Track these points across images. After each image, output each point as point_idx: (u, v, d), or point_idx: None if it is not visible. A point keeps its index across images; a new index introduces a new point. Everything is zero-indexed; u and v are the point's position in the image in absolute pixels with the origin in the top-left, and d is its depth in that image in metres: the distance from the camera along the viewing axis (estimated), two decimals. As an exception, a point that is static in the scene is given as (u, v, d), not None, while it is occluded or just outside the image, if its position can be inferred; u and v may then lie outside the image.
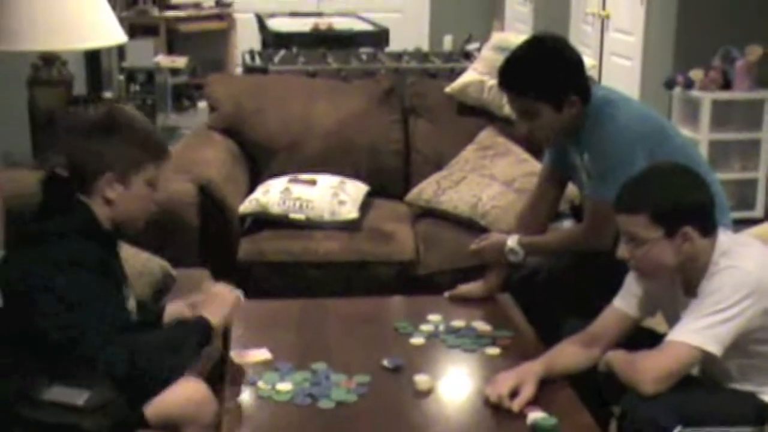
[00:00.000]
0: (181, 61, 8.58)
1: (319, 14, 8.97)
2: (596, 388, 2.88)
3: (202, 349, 2.70)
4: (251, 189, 4.48)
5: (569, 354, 2.91)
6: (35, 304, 2.48)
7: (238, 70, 8.35)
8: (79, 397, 2.38)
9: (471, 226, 4.18)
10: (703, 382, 2.81)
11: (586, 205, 3.45)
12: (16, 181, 3.82)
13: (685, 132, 5.52)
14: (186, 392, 2.55)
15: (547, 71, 3.16)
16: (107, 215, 2.65)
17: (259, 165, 4.73)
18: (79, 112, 2.78)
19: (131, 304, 2.81)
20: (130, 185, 2.65)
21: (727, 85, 5.97)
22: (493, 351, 3.12)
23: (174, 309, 2.97)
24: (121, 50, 8.00)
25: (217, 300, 2.81)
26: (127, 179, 2.64)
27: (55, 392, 2.42)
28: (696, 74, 5.99)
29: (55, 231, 2.57)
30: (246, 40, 8.81)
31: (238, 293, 2.91)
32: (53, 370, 2.46)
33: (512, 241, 3.45)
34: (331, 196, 4.29)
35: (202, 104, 7.99)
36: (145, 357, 2.52)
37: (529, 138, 3.42)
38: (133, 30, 8.42)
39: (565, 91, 3.16)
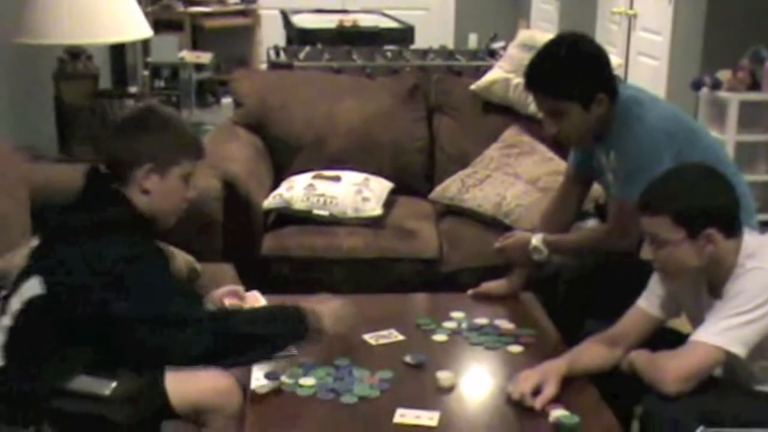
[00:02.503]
0: (205, 57, 8.59)
1: (344, 11, 8.96)
2: (619, 387, 2.87)
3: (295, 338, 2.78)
4: (275, 185, 4.49)
5: (592, 353, 2.91)
6: (98, 297, 2.50)
7: (263, 66, 8.35)
8: (106, 387, 2.40)
9: (495, 224, 4.18)
10: (726, 383, 2.79)
11: (611, 205, 3.44)
12: (41, 174, 3.85)
13: (712, 133, 5.49)
14: (212, 382, 2.57)
15: (573, 70, 3.15)
16: (144, 206, 2.69)
17: (283, 161, 4.74)
18: (121, 110, 2.84)
19: None
20: (167, 178, 2.70)
21: (755, 85, 5.92)
22: (516, 349, 3.12)
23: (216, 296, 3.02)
24: (145, 45, 8.03)
25: (339, 314, 2.89)
26: (164, 171, 2.69)
27: (82, 382, 2.43)
28: (724, 75, 5.95)
29: (107, 223, 2.60)
30: (270, 36, 8.81)
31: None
32: (93, 359, 2.49)
33: (536, 240, 3.44)
34: (355, 192, 4.29)
35: (226, 100, 8.01)
36: (239, 331, 2.64)
37: (558, 139, 3.39)
38: (158, 25, 8.44)
39: (593, 89, 3.15)
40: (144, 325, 2.51)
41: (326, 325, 2.79)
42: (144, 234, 2.68)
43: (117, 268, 2.52)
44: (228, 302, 2.97)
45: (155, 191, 2.68)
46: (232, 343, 2.61)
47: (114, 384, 2.41)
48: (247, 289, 3.19)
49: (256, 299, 3.05)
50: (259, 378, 2.85)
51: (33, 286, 2.54)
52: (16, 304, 2.56)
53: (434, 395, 2.80)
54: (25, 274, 2.60)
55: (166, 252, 2.80)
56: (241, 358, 2.66)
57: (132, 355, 2.53)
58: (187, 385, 2.56)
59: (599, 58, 3.22)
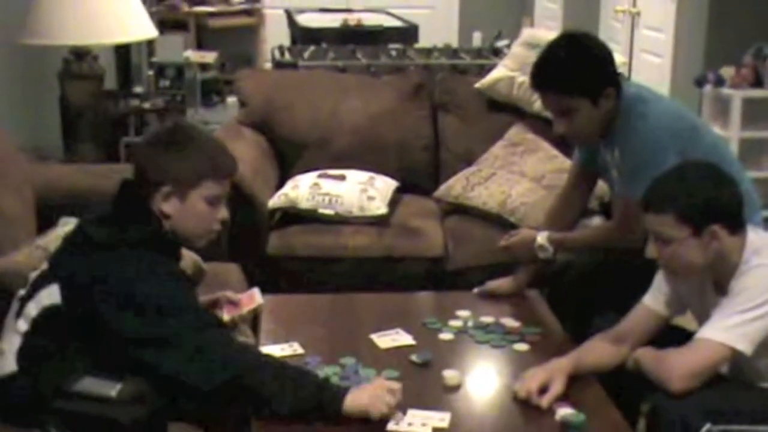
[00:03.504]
0: (210, 57, 8.59)
1: (348, 10, 8.96)
2: (625, 385, 2.87)
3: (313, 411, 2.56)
4: (280, 184, 4.49)
5: (598, 351, 2.91)
6: (114, 311, 2.47)
7: (267, 65, 8.36)
8: (112, 389, 2.39)
9: (500, 222, 4.18)
10: (732, 380, 2.79)
11: (615, 202, 3.44)
12: (46, 174, 3.86)
13: (716, 130, 5.48)
14: None
15: (579, 65, 3.15)
16: (167, 227, 2.63)
17: (288, 160, 4.75)
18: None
19: None
20: (187, 201, 2.62)
21: (758, 82, 5.91)
22: (522, 347, 3.12)
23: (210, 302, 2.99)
24: (150, 45, 8.02)
25: (377, 394, 2.58)
26: (183, 194, 2.61)
27: (88, 384, 2.43)
28: (727, 72, 5.95)
29: (132, 240, 2.54)
30: (275, 35, 8.81)
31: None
32: (100, 365, 2.48)
33: (542, 238, 3.44)
34: (360, 191, 4.30)
35: (231, 99, 8.00)
36: (256, 379, 2.49)
37: (567, 138, 3.39)
38: (163, 25, 8.42)
39: (601, 83, 3.15)
40: (149, 347, 2.45)
41: (350, 410, 2.54)
42: (167, 254, 2.63)
43: (133, 285, 2.47)
44: (226, 312, 2.95)
45: (176, 214, 2.61)
46: (250, 390, 2.48)
47: (120, 385, 2.40)
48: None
49: (252, 299, 3.03)
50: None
51: (51, 294, 2.51)
52: (32, 310, 2.53)
53: (441, 394, 2.79)
54: (44, 279, 2.56)
55: (188, 276, 2.77)
56: (251, 407, 2.53)
57: (144, 377, 2.47)
58: None
59: (603, 53, 3.23)
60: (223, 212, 2.72)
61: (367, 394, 2.55)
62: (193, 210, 2.64)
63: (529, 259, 3.51)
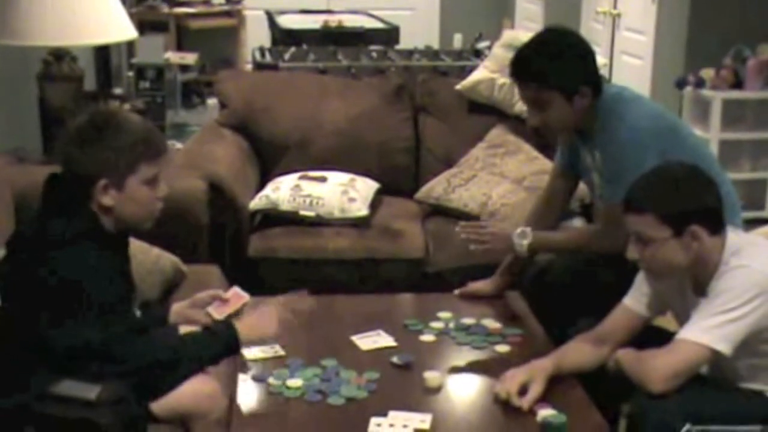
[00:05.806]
0: (190, 58, 8.59)
1: (329, 11, 8.96)
2: (605, 386, 2.87)
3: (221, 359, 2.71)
4: (261, 186, 4.48)
5: (579, 352, 2.91)
6: (43, 310, 2.46)
7: (248, 67, 8.37)
8: (91, 391, 2.38)
9: (481, 224, 4.18)
10: (712, 381, 2.80)
11: (597, 206, 3.44)
12: (26, 177, 3.83)
13: (696, 131, 5.50)
14: (196, 387, 2.56)
15: (558, 59, 3.15)
16: (109, 220, 2.60)
17: (269, 162, 4.73)
18: (76, 115, 2.71)
19: (136, 312, 2.80)
20: (125, 189, 2.57)
21: (738, 84, 5.95)
22: (503, 348, 3.13)
23: (179, 308, 2.97)
24: (130, 46, 8.01)
25: (262, 322, 2.80)
26: (121, 184, 2.56)
27: (66, 386, 2.42)
28: (707, 73, 5.97)
29: (63, 236, 2.51)
30: (256, 37, 8.80)
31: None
32: (61, 368, 2.46)
33: (519, 229, 3.40)
34: (341, 193, 4.29)
35: (212, 101, 8.00)
36: (166, 354, 2.56)
37: (540, 131, 3.39)
38: (143, 26, 8.40)
39: (577, 80, 3.15)
40: (78, 350, 2.46)
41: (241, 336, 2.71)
42: (107, 248, 2.60)
43: (65, 287, 2.45)
44: (217, 312, 2.94)
45: (117, 205, 2.57)
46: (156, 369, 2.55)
47: (99, 388, 2.39)
48: None
49: (238, 296, 3.02)
50: (246, 380, 2.85)
51: None
52: None
53: (422, 396, 2.80)
54: None
55: (127, 277, 2.74)
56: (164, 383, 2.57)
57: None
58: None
59: (584, 50, 3.23)
60: (163, 189, 2.68)
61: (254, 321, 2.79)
62: (133, 196, 2.59)
63: (505, 252, 3.47)
